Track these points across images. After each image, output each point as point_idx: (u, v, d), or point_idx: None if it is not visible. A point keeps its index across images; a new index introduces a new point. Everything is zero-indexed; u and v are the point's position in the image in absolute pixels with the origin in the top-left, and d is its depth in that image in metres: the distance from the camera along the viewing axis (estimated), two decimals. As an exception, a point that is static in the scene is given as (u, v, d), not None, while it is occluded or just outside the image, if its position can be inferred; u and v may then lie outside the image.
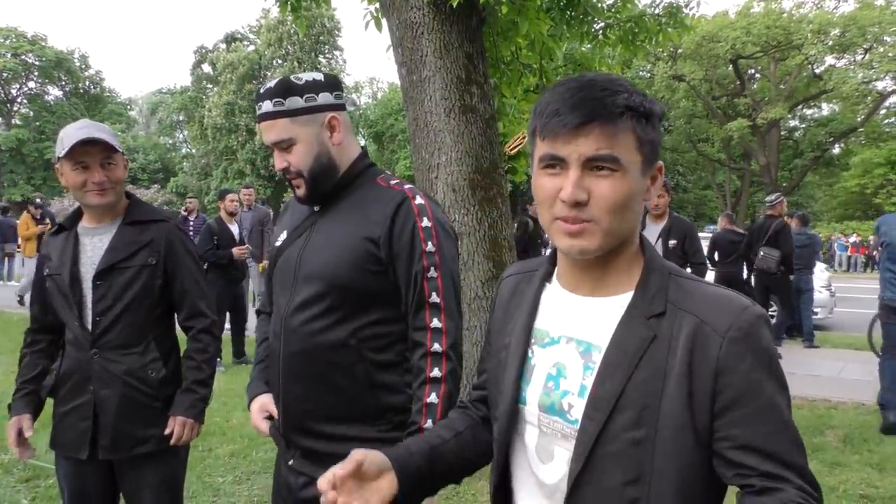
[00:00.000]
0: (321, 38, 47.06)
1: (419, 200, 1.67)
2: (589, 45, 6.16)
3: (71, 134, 2.11)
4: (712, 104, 35.36)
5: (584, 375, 1.08)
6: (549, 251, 1.26)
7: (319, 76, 1.72)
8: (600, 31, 5.89)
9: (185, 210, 11.98)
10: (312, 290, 1.67)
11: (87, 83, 58.10)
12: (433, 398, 1.59)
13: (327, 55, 48.74)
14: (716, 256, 8.78)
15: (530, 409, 1.15)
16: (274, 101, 1.67)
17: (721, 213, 11.18)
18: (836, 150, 38.31)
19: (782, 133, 35.75)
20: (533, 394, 1.14)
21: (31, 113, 53.74)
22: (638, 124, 1.03)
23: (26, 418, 2.26)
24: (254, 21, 54.34)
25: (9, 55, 50.56)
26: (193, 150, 53.27)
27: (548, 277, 1.22)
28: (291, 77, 1.70)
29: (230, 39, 49.81)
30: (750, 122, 32.02)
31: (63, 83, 55.87)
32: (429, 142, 4.36)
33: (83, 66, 57.50)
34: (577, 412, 1.06)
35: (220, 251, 7.04)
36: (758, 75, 36.58)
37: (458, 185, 4.28)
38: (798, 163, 38.10)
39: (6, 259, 15.36)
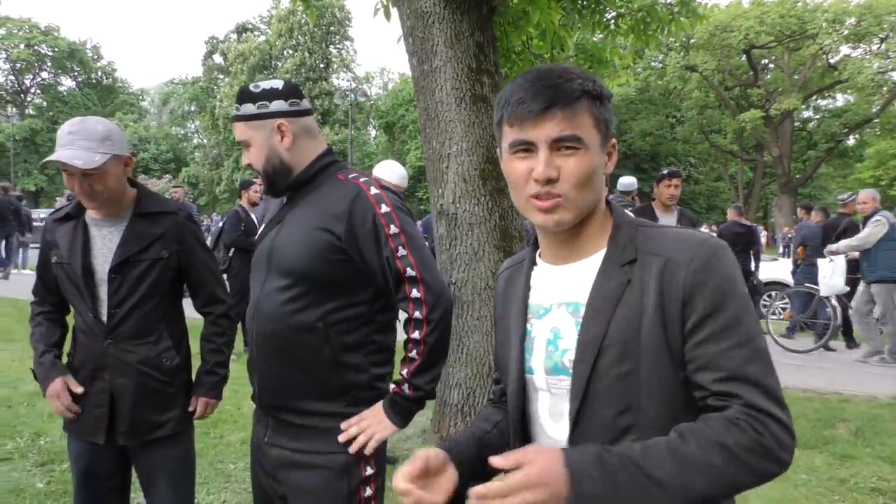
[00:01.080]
0: (332, 28, 47.00)
1: (374, 190, 1.78)
2: (600, 35, 6.14)
3: (60, 137, 2.11)
4: (725, 95, 35.09)
5: (577, 331, 1.17)
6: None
7: (278, 84, 1.87)
8: (612, 21, 5.87)
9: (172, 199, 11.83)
10: (281, 279, 1.80)
11: (100, 73, 58.32)
12: (413, 354, 1.77)
13: (338, 45, 48.71)
14: None
15: (538, 377, 1.24)
16: (235, 105, 1.89)
17: (732, 204, 11.21)
18: (851, 141, 37.97)
19: (796, 124, 35.40)
20: (537, 362, 1.24)
21: (45, 103, 54.05)
22: (593, 105, 1.16)
23: (70, 379, 2.24)
24: (265, 11, 54.40)
25: (22, 46, 50.81)
26: (205, 141, 53.51)
27: (535, 260, 1.33)
28: (251, 85, 1.87)
29: (241, 30, 49.87)
30: (763, 113, 31.75)
31: (76, 73, 56.14)
32: (439, 132, 4.35)
33: (95, 57, 57.73)
34: None
35: (249, 238, 7.25)
36: (771, 65, 36.25)
37: (469, 175, 4.28)
38: (812, 154, 37.77)
39: (20, 248, 15.50)
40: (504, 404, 1.41)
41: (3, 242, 14.51)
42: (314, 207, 1.80)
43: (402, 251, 1.74)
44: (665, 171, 5.64)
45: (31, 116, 51.41)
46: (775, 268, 12.00)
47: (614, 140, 1.23)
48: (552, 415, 1.23)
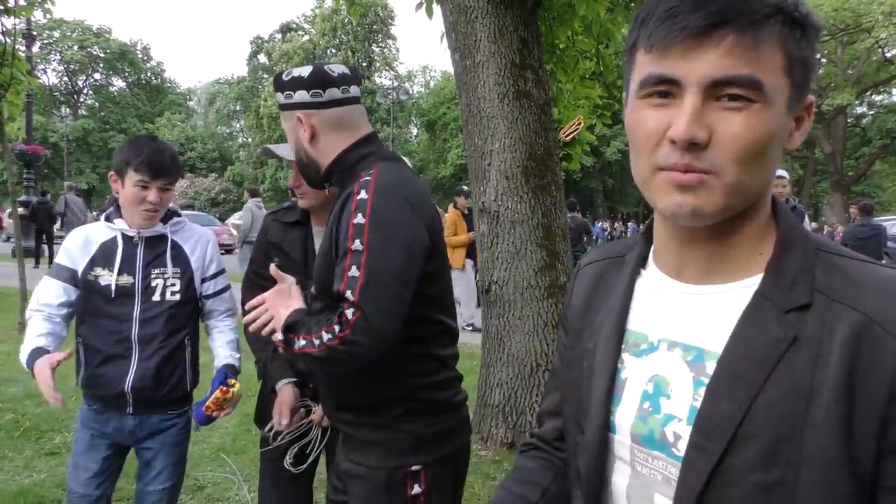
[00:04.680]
0: (374, 26, 47.35)
1: (362, 195, 1.56)
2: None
3: None
4: (775, 90, 34.19)
5: (694, 394, 0.78)
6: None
7: (305, 72, 1.72)
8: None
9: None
10: (314, 290, 1.73)
11: (149, 74, 59.78)
12: (317, 343, 1.54)
13: (380, 44, 49.03)
14: None
15: (621, 440, 0.85)
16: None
17: (858, 201, 9.07)
18: (907, 137, 36.67)
19: (849, 120, 34.40)
20: (625, 418, 0.84)
21: (97, 104, 55.57)
22: (791, 35, 0.71)
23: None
24: (308, 11, 55.05)
25: (76, 48, 52.41)
26: (249, 140, 54.38)
27: (643, 261, 0.90)
28: (283, 73, 1.75)
29: (285, 30, 50.60)
30: (815, 109, 30.90)
31: (126, 74, 57.66)
32: (482, 128, 4.29)
33: (145, 58, 59.22)
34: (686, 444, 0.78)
35: None
36: (824, 60, 35.19)
37: (512, 173, 4.20)
38: (865, 151, 36.60)
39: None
40: (554, 450, 1.05)
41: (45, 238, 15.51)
42: (333, 212, 1.69)
43: (353, 271, 1.51)
44: None
45: (83, 117, 53.03)
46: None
47: (811, 99, 0.78)
48: (631, 500, 0.85)
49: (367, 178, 1.60)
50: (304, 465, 2.22)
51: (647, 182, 0.77)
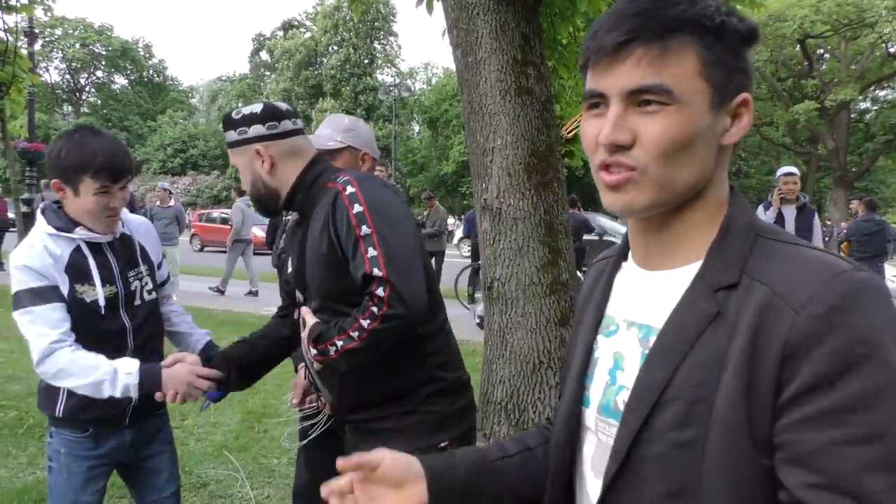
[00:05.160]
0: (376, 23, 47.32)
1: (350, 190, 1.72)
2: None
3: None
4: (777, 86, 34.12)
5: (641, 366, 0.87)
6: None
7: (258, 108, 1.85)
8: (663, 10, 5.70)
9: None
10: (314, 302, 1.84)
11: (151, 72, 59.76)
12: (355, 335, 1.66)
13: (382, 41, 49.00)
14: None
15: (590, 412, 0.95)
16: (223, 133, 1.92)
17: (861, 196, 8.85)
18: (911, 133, 36.57)
19: (852, 115, 34.26)
20: (595, 393, 0.95)
21: (99, 101, 55.55)
22: (702, 42, 0.80)
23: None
24: (310, 8, 55.04)
25: (77, 45, 52.40)
26: (252, 137, 54.30)
27: (624, 255, 1.00)
28: (233, 112, 1.88)
29: (287, 26, 50.57)
30: (818, 105, 30.78)
31: (128, 72, 57.65)
32: (484, 125, 4.28)
33: (147, 55, 59.21)
34: None
35: None
36: (827, 55, 35.12)
37: (514, 169, 4.20)
38: (869, 147, 36.47)
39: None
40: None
41: None
42: (314, 224, 1.79)
43: (371, 252, 1.65)
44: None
45: (85, 114, 53.06)
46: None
47: (746, 96, 0.84)
48: (594, 467, 0.94)
49: (345, 177, 1.75)
50: (299, 445, 2.34)
51: (596, 181, 0.87)
